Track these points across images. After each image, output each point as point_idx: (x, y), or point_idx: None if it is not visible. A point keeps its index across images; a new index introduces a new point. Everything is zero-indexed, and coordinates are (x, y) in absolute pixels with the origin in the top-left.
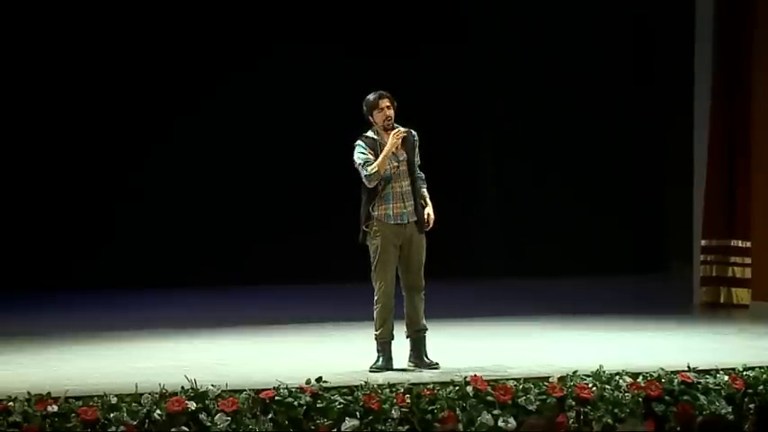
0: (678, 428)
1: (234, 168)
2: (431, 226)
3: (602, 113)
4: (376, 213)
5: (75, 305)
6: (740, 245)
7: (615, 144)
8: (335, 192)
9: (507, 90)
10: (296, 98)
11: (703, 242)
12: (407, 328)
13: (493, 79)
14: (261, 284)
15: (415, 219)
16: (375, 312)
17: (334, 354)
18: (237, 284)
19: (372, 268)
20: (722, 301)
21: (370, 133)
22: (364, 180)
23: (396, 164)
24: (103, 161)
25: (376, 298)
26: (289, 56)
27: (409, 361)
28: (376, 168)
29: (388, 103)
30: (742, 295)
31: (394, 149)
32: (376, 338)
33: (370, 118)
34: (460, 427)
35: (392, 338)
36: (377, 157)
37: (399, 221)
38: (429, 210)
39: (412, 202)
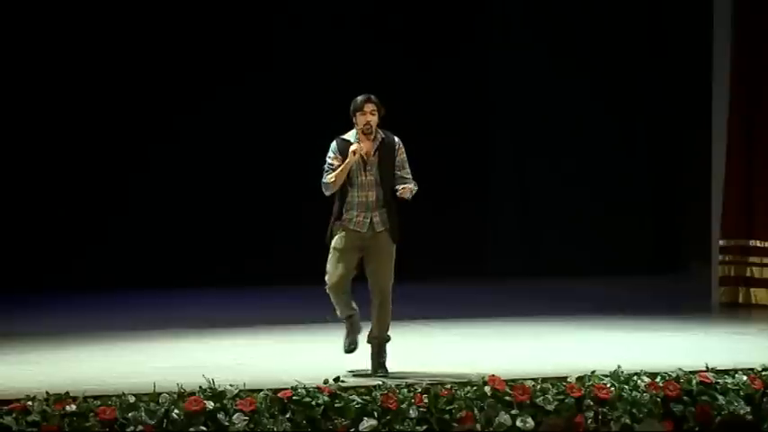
0: (696, 429)
1: (250, 165)
2: (405, 194)
3: (620, 113)
4: (343, 217)
5: (92, 305)
6: (759, 245)
7: (633, 144)
8: None
9: (524, 89)
10: (310, 99)
11: (722, 242)
12: (369, 333)
13: (510, 79)
14: (278, 284)
15: (382, 229)
16: (332, 301)
17: (351, 354)
18: (254, 285)
19: (328, 261)
20: (741, 301)
21: (348, 135)
22: (322, 186)
23: (363, 172)
24: (112, 160)
25: (326, 289)
26: (302, 56)
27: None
28: (333, 179)
29: (372, 108)
30: (761, 295)
31: (365, 158)
32: (341, 319)
33: (354, 119)
34: (478, 427)
35: (352, 313)
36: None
37: (359, 230)
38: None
39: (378, 212)
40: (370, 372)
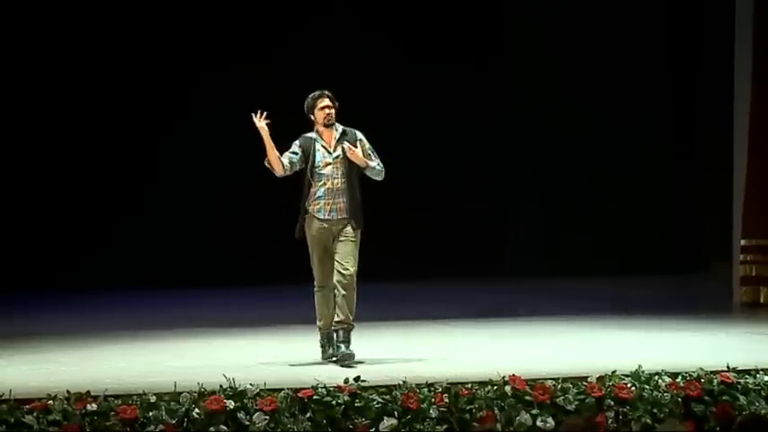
0: (717, 429)
1: (250, 165)
2: (354, 151)
3: (642, 113)
4: (310, 209)
5: (112, 304)
6: None
7: (655, 144)
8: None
9: (546, 91)
10: None
11: (743, 242)
12: (335, 319)
13: (532, 81)
14: (297, 284)
15: (347, 216)
16: (315, 304)
17: (370, 353)
18: (274, 284)
19: (311, 261)
20: (762, 300)
21: (310, 133)
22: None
23: (329, 160)
24: (115, 163)
25: (314, 290)
26: (314, 57)
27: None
28: (267, 162)
29: (328, 103)
30: None
31: (327, 147)
32: (320, 330)
33: (312, 116)
34: (499, 426)
35: (332, 327)
36: (305, 156)
37: (329, 217)
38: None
39: (343, 199)
40: (333, 357)
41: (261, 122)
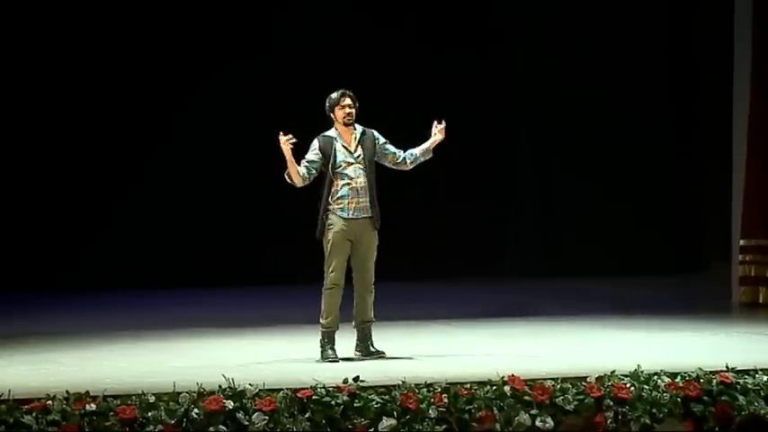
0: (716, 429)
1: (250, 165)
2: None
3: (642, 113)
4: (332, 207)
5: (112, 305)
6: None
7: (654, 145)
8: None
9: (546, 91)
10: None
11: (742, 242)
12: (354, 319)
13: (532, 81)
14: (297, 284)
15: (369, 215)
16: (322, 301)
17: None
18: (274, 284)
19: (325, 259)
20: (761, 300)
21: (329, 132)
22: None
23: (351, 160)
24: (115, 162)
25: (324, 287)
26: (309, 56)
27: (356, 350)
28: (287, 177)
29: (350, 102)
30: None
31: (348, 146)
32: (322, 328)
33: (332, 115)
34: (498, 426)
35: (337, 329)
36: (326, 157)
37: (354, 216)
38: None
39: (367, 197)
40: (360, 356)
41: (286, 145)
